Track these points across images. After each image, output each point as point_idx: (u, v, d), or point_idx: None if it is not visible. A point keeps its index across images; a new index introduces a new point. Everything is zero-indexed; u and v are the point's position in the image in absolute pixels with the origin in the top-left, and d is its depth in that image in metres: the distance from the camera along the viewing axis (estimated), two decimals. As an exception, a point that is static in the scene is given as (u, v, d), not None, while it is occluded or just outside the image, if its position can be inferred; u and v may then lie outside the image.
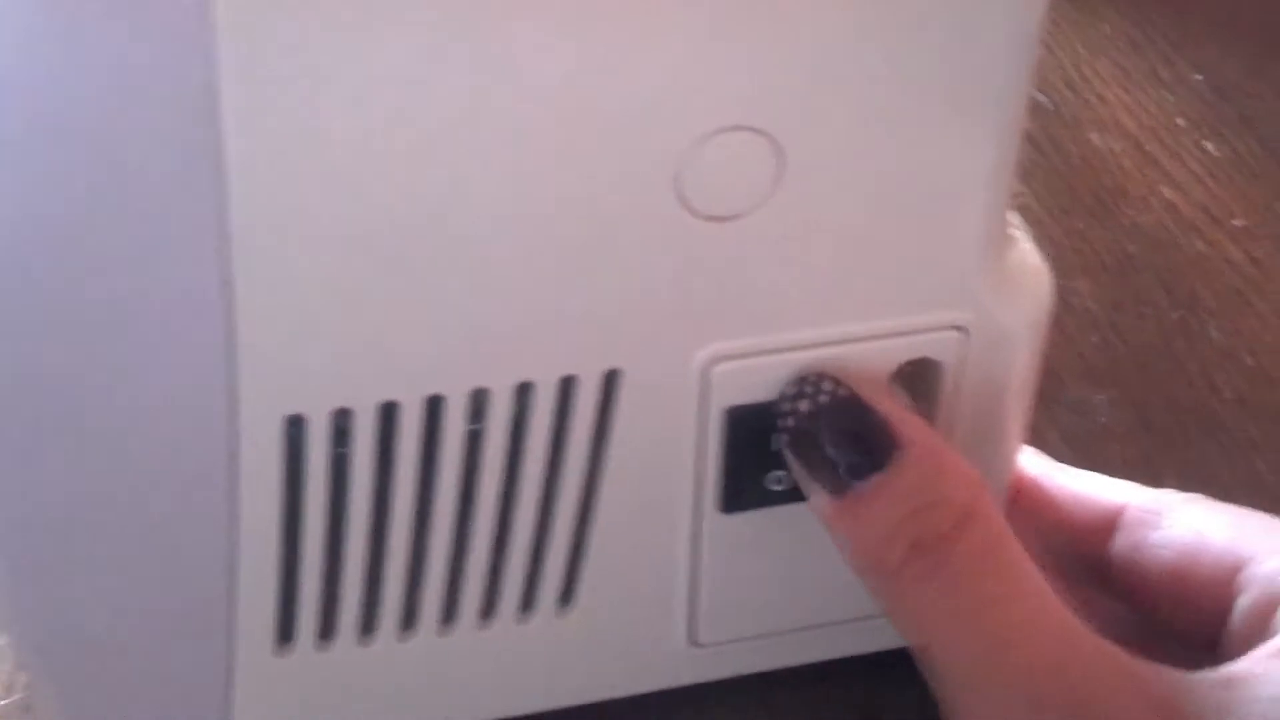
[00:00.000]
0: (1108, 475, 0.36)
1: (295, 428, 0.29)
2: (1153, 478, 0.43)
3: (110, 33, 0.25)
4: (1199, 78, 0.58)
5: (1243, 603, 0.31)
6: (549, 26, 0.26)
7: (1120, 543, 0.34)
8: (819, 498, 0.30)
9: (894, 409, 0.30)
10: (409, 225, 0.28)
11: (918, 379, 0.32)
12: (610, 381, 0.30)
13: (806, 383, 0.30)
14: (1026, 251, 0.32)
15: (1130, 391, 0.45)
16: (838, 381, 0.30)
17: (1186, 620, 0.32)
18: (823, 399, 0.29)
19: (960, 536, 0.28)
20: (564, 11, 0.26)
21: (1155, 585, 0.33)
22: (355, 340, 0.28)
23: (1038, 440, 0.37)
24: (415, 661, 0.33)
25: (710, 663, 0.35)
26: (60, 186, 0.26)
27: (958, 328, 0.31)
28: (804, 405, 0.30)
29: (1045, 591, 0.29)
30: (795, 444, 0.30)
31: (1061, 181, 0.53)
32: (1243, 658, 0.29)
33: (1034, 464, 0.36)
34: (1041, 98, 0.57)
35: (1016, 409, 0.34)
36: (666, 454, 0.32)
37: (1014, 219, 0.33)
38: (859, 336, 0.31)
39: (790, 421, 0.30)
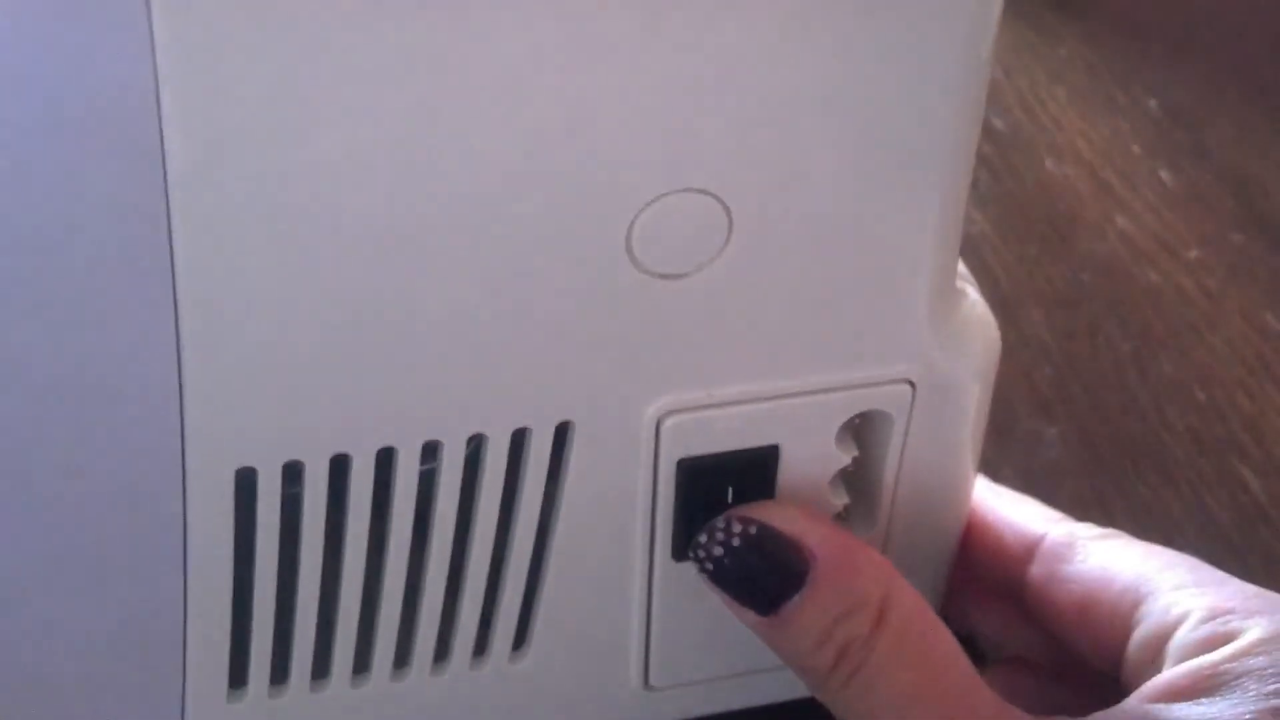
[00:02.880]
0: (1058, 510, 0.36)
1: (246, 479, 0.29)
2: (1103, 513, 0.43)
3: (51, 103, 0.25)
4: (1154, 103, 0.58)
5: (1136, 637, 0.32)
6: (504, 87, 0.27)
7: (1035, 572, 0.35)
8: (747, 616, 0.32)
9: (799, 523, 0.31)
10: (360, 281, 0.28)
11: (867, 430, 0.33)
12: (562, 434, 0.30)
13: (714, 529, 0.32)
14: (974, 303, 0.33)
15: (1082, 425, 0.46)
16: (743, 519, 0.32)
17: (1091, 650, 0.33)
18: (734, 542, 0.31)
19: (879, 636, 0.30)
20: (518, 73, 0.26)
21: (1064, 616, 0.34)
22: (305, 394, 0.28)
23: (991, 474, 0.38)
24: (368, 707, 0.33)
25: (664, 706, 0.35)
26: (6, 243, 0.26)
27: (907, 381, 0.32)
28: (717, 550, 0.32)
29: (963, 674, 0.31)
30: (717, 581, 0.32)
31: (1017, 209, 0.54)
32: (1114, 710, 0.30)
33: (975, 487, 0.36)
34: (998, 122, 0.57)
35: (966, 456, 0.34)
36: (619, 504, 0.32)
37: (962, 269, 0.33)
38: (809, 390, 0.31)
39: (709, 567, 0.32)
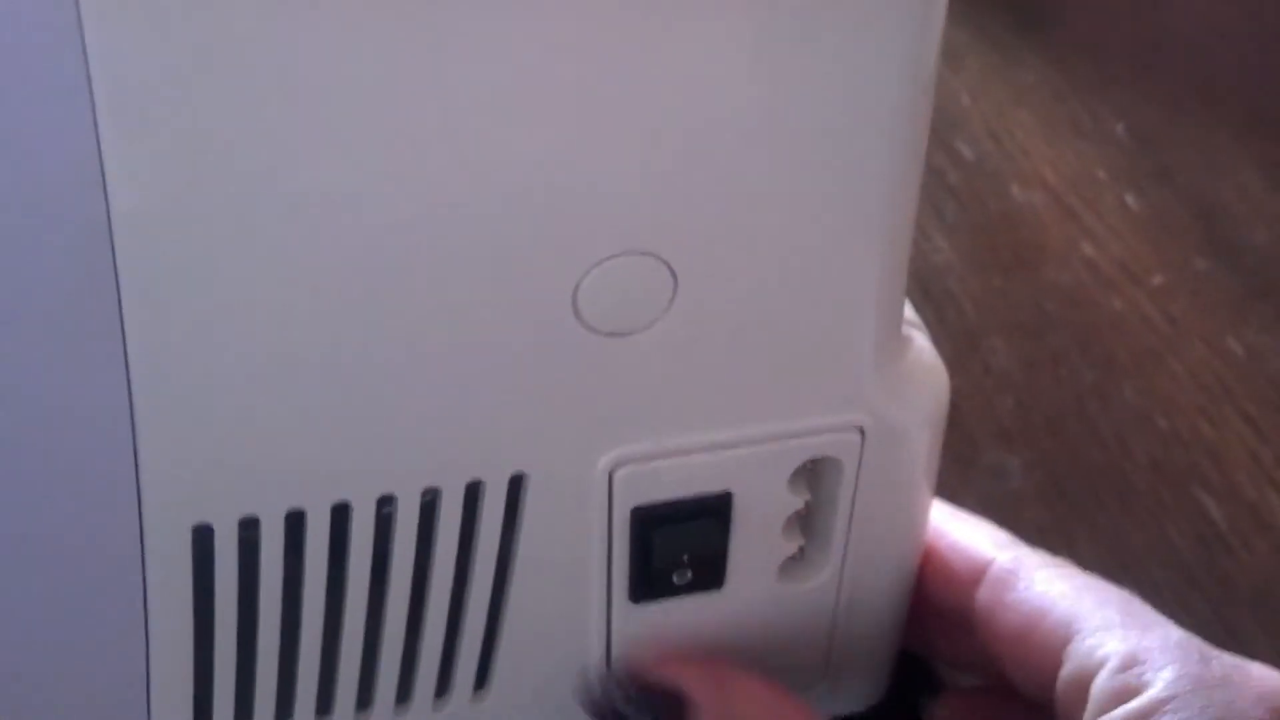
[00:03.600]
0: (1019, 537, 0.37)
1: (204, 535, 0.30)
2: (1065, 542, 0.44)
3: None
4: (1120, 126, 0.59)
5: (1064, 676, 0.32)
6: (450, 149, 0.27)
7: (980, 600, 0.35)
8: None
9: (678, 670, 0.34)
10: (310, 339, 0.28)
11: (819, 475, 0.33)
12: (516, 485, 0.31)
13: (604, 689, 0.34)
14: (923, 349, 0.33)
15: (1044, 455, 0.46)
16: (623, 681, 0.34)
17: (1026, 681, 0.34)
18: (617, 702, 0.34)
19: None
20: (463, 136, 0.27)
21: (1004, 644, 0.34)
22: (260, 451, 0.29)
23: (953, 504, 0.38)
24: (332, 749, 0.34)
25: (624, 742, 0.36)
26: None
27: (856, 428, 0.32)
28: (605, 711, 0.34)
29: None
30: None
31: (982, 237, 0.54)
32: None
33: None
34: (965, 150, 0.58)
35: (918, 500, 0.34)
36: (575, 551, 0.32)
37: (911, 315, 0.33)
38: (759, 439, 0.32)
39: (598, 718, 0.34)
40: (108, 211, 0.26)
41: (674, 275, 0.29)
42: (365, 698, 0.33)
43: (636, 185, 0.28)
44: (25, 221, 0.26)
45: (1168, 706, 0.30)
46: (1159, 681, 0.30)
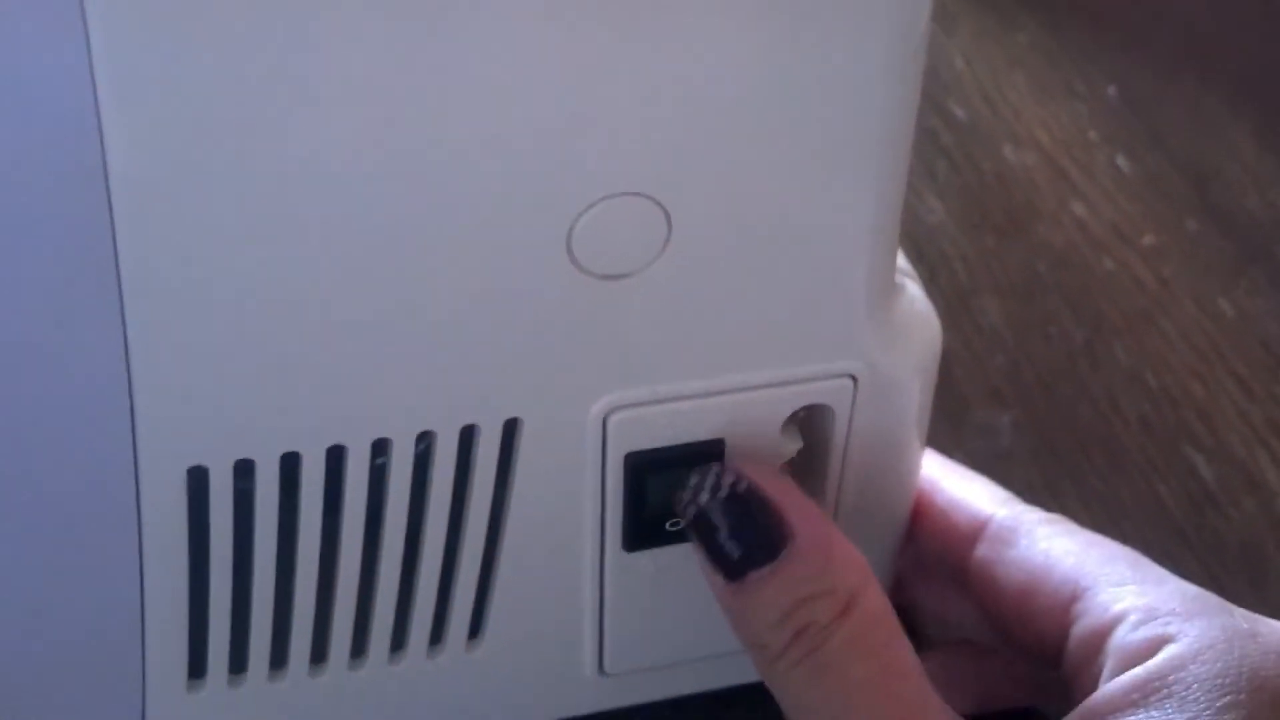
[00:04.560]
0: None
1: (199, 477, 0.30)
2: (1055, 500, 0.44)
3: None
4: (1112, 90, 0.59)
5: (1076, 631, 0.32)
6: (444, 94, 0.27)
7: (979, 556, 0.35)
8: (715, 579, 0.31)
9: (788, 497, 0.31)
10: (305, 281, 0.28)
11: (812, 422, 0.33)
12: (510, 430, 0.31)
13: (708, 474, 0.32)
14: (915, 298, 0.33)
15: (1034, 414, 0.46)
16: (737, 474, 0.31)
17: (1030, 638, 0.34)
18: (721, 493, 0.31)
19: (840, 626, 0.30)
20: (458, 81, 0.27)
21: (1005, 602, 0.34)
22: (254, 394, 0.29)
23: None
24: (326, 695, 0.34)
25: (619, 691, 0.36)
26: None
27: (849, 375, 0.32)
28: (704, 497, 0.31)
29: (917, 687, 0.30)
30: (695, 529, 0.31)
31: (974, 198, 0.54)
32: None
33: (927, 465, 0.37)
34: (958, 112, 0.58)
35: (910, 448, 0.35)
36: (568, 497, 0.32)
37: (904, 264, 0.34)
38: (752, 385, 0.32)
39: (691, 511, 0.32)
40: (103, 154, 0.26)
41: (668, 218, 0.29)
42: (360, 646, 0.34)
43: (630, 127, 0.28)
44: (23, 174, 0.26)
45: (1205, 655, 0.30)
46: (1191, 631, 0.30)
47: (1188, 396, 0.47)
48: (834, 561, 0.31)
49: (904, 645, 0.31)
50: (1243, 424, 0.46)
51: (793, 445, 0.33)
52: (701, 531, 0.31)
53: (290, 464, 0.30)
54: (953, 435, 0.45)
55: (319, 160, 0.27)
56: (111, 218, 0.27)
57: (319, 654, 0.33)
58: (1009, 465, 0.45)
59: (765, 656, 0.31)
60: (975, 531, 0.35)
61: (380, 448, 0.31)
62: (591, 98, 0.28)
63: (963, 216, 0.53)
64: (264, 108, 0.27)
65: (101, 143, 0.26)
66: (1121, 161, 0.56)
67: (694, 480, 0.31)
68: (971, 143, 0.57)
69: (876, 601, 0.31)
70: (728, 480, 0.31)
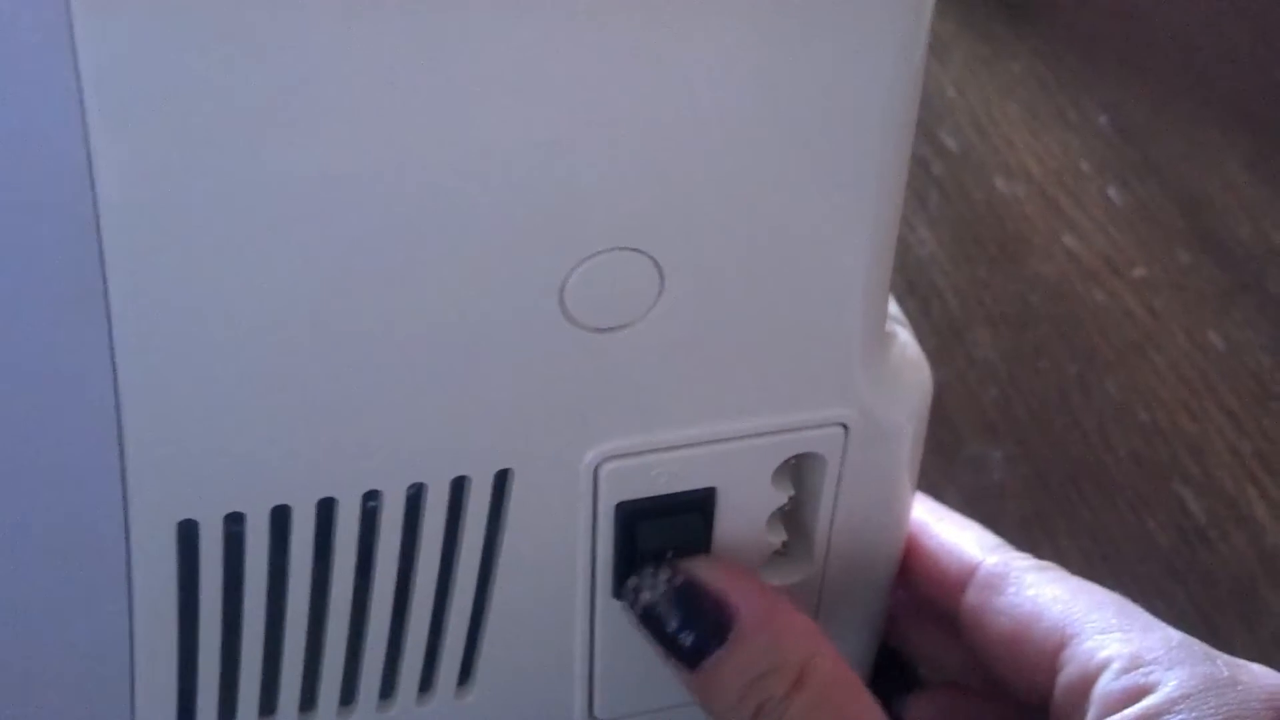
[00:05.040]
0: (1002, 533, 0.37)
1: (189, 530, 0.30)
2: (1046, 535, 0.44)
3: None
4: (1104, 119, 0.59)
5: (1062, 679, 0.32)
6: (437, 145, 0.27)
7: (968, 602, 0.35)
8: (675, 667, 0.32)
9: (728, 581, 0.32)
10: (297, 335, 0.28)
11: (803, 470, 0.33)
12: (501, 480, 0.31)
13: (646, 575, 0.32)
14: (906, 345, 0.33)
15: (1027, 447, 0.46)
16: (673, 569, 0.32)
17: (1019, 685, 0.34)
18: (660, 589, 0.32)
19: (795, 698, 0.31)
20: (450, 133, 0.27)
21: (994, 649, 0.34)
22: (246, 447, 0.29)
23: (935, 496, 0.38)
24: (316, 742, 0.34)
25: (609, 737, 0.36)
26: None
27: (840, 424, 0.32)
28: (645, 597, 0.32)
29: None
30: (646, 626, 0.32)
31: (967, 229, 0.54)
32: None
33: (918, 509, 0.37)
34: (950, 142, 0.58)
35: (901, 495, 0.35)
36: (559, 546, 0.32)
37: (895, 310, 0.34)
38: (743, 434, 0.32)
39: (639, 610, 0.32)
40: (95, 204, 0.26)
41: (660, 271, 0.29)
42: (349, 693, 0.33)
43: (623, 181, 0.28)
44: (12, 215, 0.26)
45: (1181, 705, 0.30)
46: (1170, 680, 0.30)
47: (1178, 431, 0.47)
48: (780, 636, 0.31)
49: (865, 704, 0.31)
50: (1233, 459, 0.46)
51: (783, 493, 0.33)
52: (652, 628, 0.32)
53: (281, 515, 0.30)
54: (944, 468, 0.45)
55: (310, 210, 0.27)
56: (103, 265, 0.27)
57: (308, 701, 0.33)
58: (1001, 498, 0.45)
59: None
60: (965, 578, 0.35)
61: (371, 498, 0.31)
62: (584, 154, 0.28)
63: (954, 247, 0.53)
64: (256, 155, 0.26)
65: (93, 185, 0.26)
66: (1113, 192, 0.56)
67: (633, 582, 0.32)
68: (963, 173, 0.57)
69: (830, 667, 0.31)
70: (664, 577, 0.32)
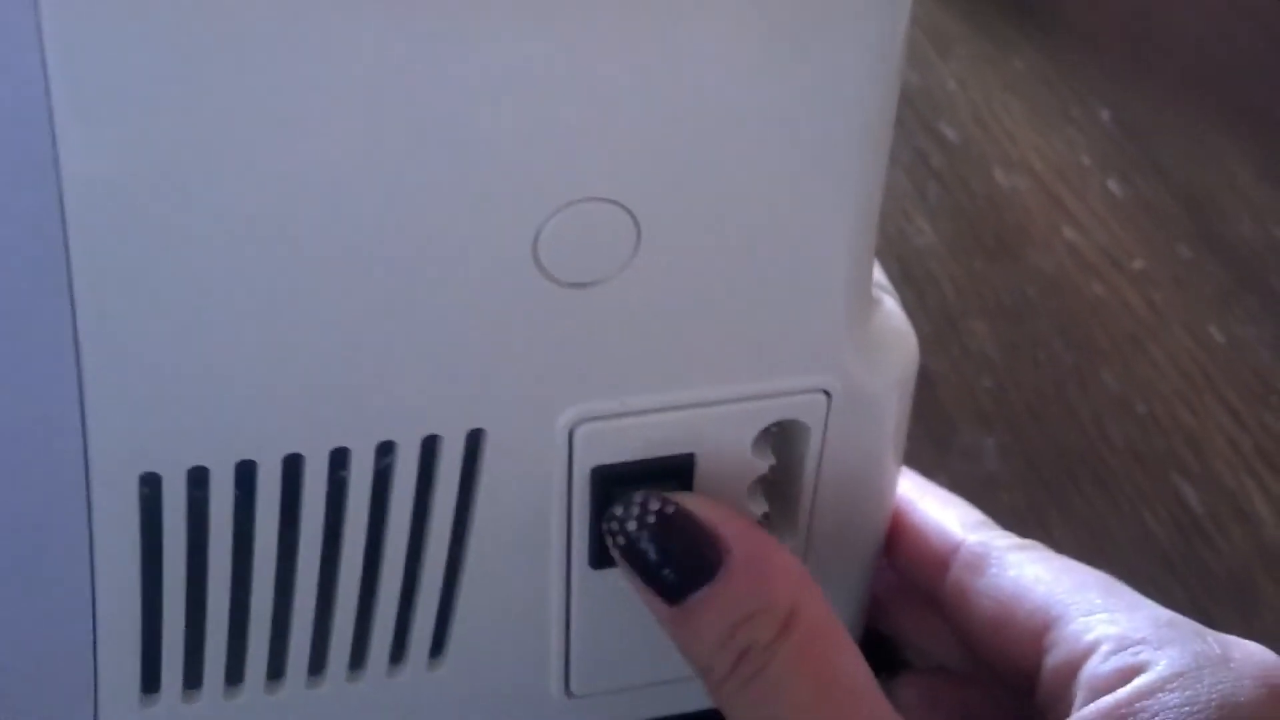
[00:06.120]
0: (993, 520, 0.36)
1: (152, 485, 0.29)
2: (1040, 526, 0.43)
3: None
4: (1107, 115, 0.58)
5: (1048, 663, 0.31)
6: (410, 92, 0.26)
7: (950, 583, 0.34)
8: (656, 605, 0.31)
9: (720, 516, 0.30)
10: (262, 286, 0.28)
11: (785, 439, 0.32)
12: (474, 442, 0.30)
13: (633, 502, 0.31)
14: (891, 313, 0.33)
15: (1021, 438, 0.46)
16: (664, 499, 0.31)
17: (1004, 667, 0.33)
18: (649, 518, 0.31)
19: (782, 644, 0.29)
20: (422, 79, 0.26)
21: (978, 631, 0.33)
22: (209, 400, 0.28)
23: (928, 485, 0.37)
24: (284, 713, 0.33)
25: (586, 713, 0.35)
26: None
27: (823, 391, 0.31)
28: (631, 525, 0.31)
29: (864, 696, 0.30)
30: (628, 559, 0.31)
31: (965, 221, 0.54)
32: None
33: (903, 486, 0.36)
34: (950, 134, 0.57)
35: (885, 466, 0.34)
36: (534, 512, 0.32)
37: (881, 277, 0.33)
38: (723, 399, 0.31)
39: (620, 540, 0.31)
40: (54, 145, 0.26)
41: (637, 224, 0.28)
42: (318, 663, 0.33)
43: (600, 130, 0.27)
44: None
45: (1174, 684, 0.29)
46: (1162, 660, 0.29)
47: (1176, 424, 0.46)
48: (771, 577, 0.30)
49: (851, 656, 0.30)
50: (1232, 452, 0.45)
51: (764, 462, 0.32)
52: (634, 560, 0.31)
53: (247, 474, 0.29)
54: (937, 457, 0.44)
55: (277, 164, 0.27)
56: (63, 217, 0.26)
57: (276, 670, 0.32)
58: (994, 489, 0.44)
59: (712, 680, 0.30)
60: (947, 557, 0.34)
61: (340, 459, 0.30)
62: (560, 99, 0.27)
63: (952, 239, 0.53)
64: (223, 109, 0.26)
65: (54, 142, 0.26)
66: (1114, 186, 0.55)
67: (619, 510, 0.31)
68: (963, 165, 0.56)
69: (818, 612, 0.30)
70: (653, 506, 0.31)
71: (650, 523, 0.30)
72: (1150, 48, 0.62)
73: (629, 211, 0.28)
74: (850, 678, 0.30)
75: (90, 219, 0.26)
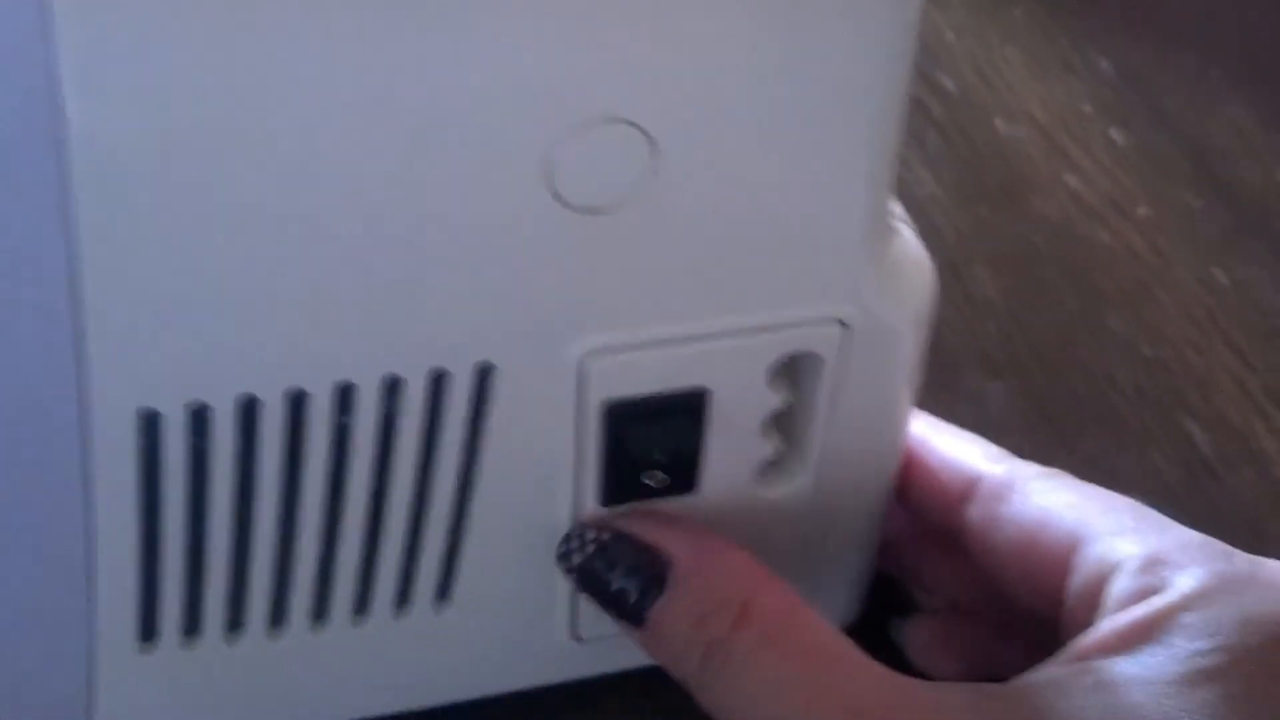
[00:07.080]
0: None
1: (151, 422, 0.28)
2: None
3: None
4: (1107, 65, 0.58)
5: (1073, 584, 0.31)
6: (418, 13, 0.26)
7: (973, 514, 0.33)
8: (627, 630, 0.31)
9: (657, 529, 0.31)
10: (265, 214, 0.27)
11: (799, 373, 0.32)
12: (484, 376, 0.30)
13: (572, 538, 0.32)
14: (909, 243, 0.32)
15: (1027, 382, 0.45)
16: (599, 525, 0.31)
17: (1030, 596, 0.32)
18: (590, 548, 0.31)
19: (741, 634, 0.30)
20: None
21: (1002, 560, 0.33)
22: (210, 332, 0.27)
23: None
24: (286, 660, 0.32)
25: (593, 658, 0.35)
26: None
27: (839, 321, 0.31)
28: (577, 559, 0.31)
29: (839, 656, 0.29)
30: (585, 588, 0.32)
31: (968, 170, 0.53)
32: (1043, 665, 0.29)
33: (915, 425, 0.36)
34: (949, 83, 0.57)
35: (900, 398, 0.33)
36: (544, 448, 0.31)
37: (898, 209, 0.32)
38: (738, 330, 0.30)
39: (574, 576, 0.32)
40: (56, 81, 0.25)
41: (653, 146, 0.28)
42: (322, 607, 0.32)
43: (614, 47, 0.27)
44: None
45: (1196, 604, 0.29)
46: (1186, 579, 0.29)
47: (1184, 366, 0.46)
48: (715, 574, 0.31)
49: (820, 631, 0.30)
50: (1239, 393, 0.45)
51: (778, 396, 0.31)
52: (591, 588, 0.31)
53: (250, 411, 0.29)
54: (945, 403, 0.44)
55: (278, 87, 0.26)
56: (66, 147, 0.25)
57: (278, 615, 0.32)
58: (1000, 433, 0.43)
59: (690, 682, 0.30)
60: (968, 490, 0.34)
61: (345, 395, 0.29)
62: (574, 13, 0.26)
63: (954, 188, 0.52)
64: (233, 41, 0.25)
65: (57, 83, 0.25)
66: (1116, 134, 0.55)
67: (563, 548, 0.32)
68: (963, 115, 0.55)
69: (776, 600, 0.30)
70: (590, 536, 0.31)
71: (593, 552, 0.31)
72: (1148, -2, 0.62)
73: (645, 133, 0.27)
74: (821, 647, 0.30)
75: (92, 150, 0.25)
